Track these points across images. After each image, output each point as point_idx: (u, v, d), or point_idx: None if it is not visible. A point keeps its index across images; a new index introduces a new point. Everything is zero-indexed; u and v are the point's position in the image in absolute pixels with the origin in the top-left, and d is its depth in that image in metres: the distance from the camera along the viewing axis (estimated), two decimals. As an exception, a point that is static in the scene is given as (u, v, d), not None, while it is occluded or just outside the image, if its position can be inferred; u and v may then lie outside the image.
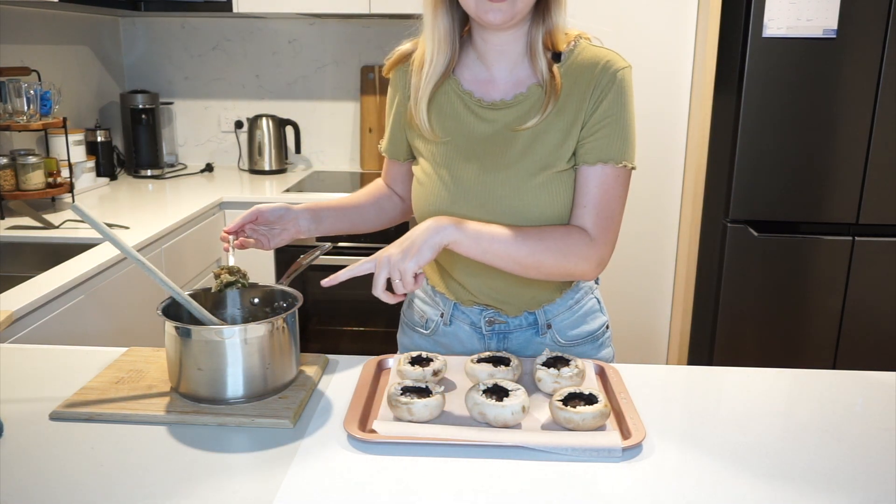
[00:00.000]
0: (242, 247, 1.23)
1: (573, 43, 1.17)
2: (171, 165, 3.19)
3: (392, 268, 1.03)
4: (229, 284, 1.13)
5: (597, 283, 1.33)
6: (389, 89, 1.30)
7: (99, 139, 2.84)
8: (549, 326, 1.26)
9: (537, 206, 1.15)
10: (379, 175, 1.42)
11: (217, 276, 1.13)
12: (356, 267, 1.05)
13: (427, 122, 1.20)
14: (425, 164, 1.23)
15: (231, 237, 1.20)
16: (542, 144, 1.15)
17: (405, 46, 1.26)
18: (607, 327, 1.33)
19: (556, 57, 1.16)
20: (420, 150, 1.25)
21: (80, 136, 2.59)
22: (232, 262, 1.15)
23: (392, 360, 1.17)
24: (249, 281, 1.15)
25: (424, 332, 1.33)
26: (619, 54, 1.17)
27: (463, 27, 1.21)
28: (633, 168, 1.15)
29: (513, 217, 1.15)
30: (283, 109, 3.16)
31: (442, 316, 1.29)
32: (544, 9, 1.15)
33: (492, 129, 1.18)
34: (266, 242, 1.26)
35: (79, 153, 2.54)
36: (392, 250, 1.04)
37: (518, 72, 1.19)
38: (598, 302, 1.32)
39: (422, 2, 1.18)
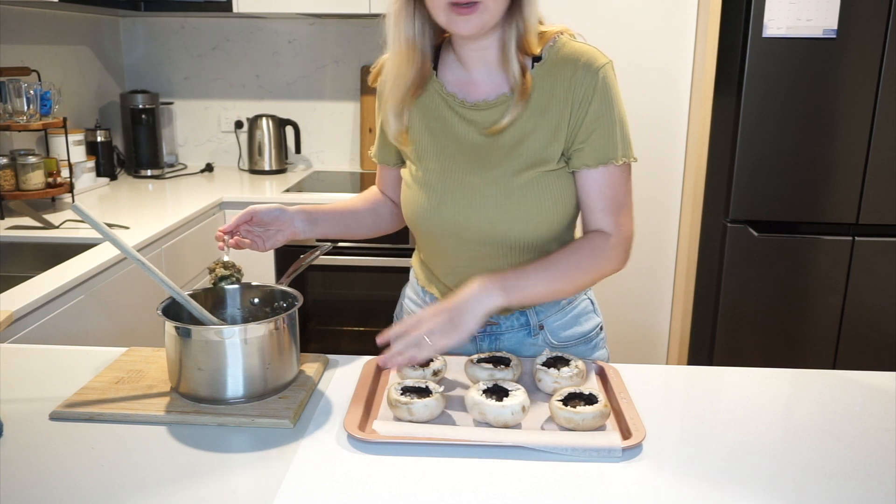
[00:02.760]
0: (238, 247, 1.23)
1: (553, 40, 1.16)
2: (171, 165, 3.19)
3: (421, 340, 1.01)
4: (224, 278, 1.14)
5: None
6: (377, 95, 1.30)
7: (99, 139, 2.84)
8: (541, 327, 1.25)
9: (523, 205, 1.15)
10: (380, 175, 1.42)
11: (212, 271, 1.15)
12: (408, 354, 1.02)
13: (400, 135, 1.21)
14: (412, 166, 1.23)
15: (226, 237, 1.20)
16: (528, 144, 1.14)
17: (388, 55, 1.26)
18: (601, 329, 1.32)
19: (538, 58, 1.15)
20: (407, 152, 1.24)
21: (80, 136, 2.59)
22: (227, 259, 1.16)
23: (392, 361, 1.17)
24: (243, 277, 1.16)
25: None
26: (599, 50, 1.15)
27: (434, 34, 1.20)
28: (634, 160, 1.16)
29: (499, 215, 1.15)
30: (283, 109, 3.16)
31: None
32: (517, 11, 1.12)
33: (476, 129, 1.18)
34: (261, 244, 1.25)
35: (79, 153, 2.54)
36: (434, 321, 1.03)
37: (498, 73, 1.18)
38: (592, 303, 1.32)
39: (385, 15, 1.17)
